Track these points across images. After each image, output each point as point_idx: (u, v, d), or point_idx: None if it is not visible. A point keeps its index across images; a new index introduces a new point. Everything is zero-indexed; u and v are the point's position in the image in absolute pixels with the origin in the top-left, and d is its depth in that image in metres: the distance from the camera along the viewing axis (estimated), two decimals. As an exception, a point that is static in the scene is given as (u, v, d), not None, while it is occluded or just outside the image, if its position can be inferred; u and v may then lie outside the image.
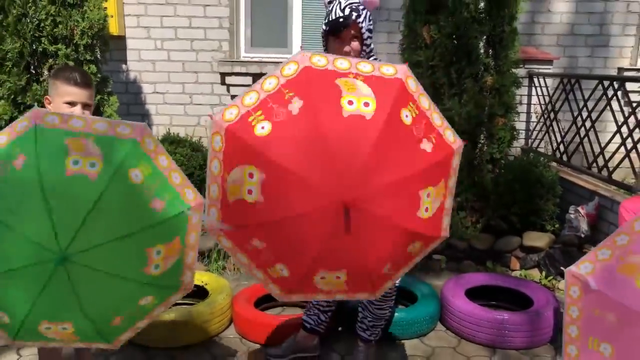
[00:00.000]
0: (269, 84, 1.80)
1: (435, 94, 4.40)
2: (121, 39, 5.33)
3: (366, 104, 1.73)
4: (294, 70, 1.80)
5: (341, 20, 2.33)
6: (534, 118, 5.23)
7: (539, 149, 5.07)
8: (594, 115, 4.15)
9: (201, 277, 3.35)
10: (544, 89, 4.97)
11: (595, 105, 4.11)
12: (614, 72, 5.53)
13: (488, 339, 2.97)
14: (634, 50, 5.59)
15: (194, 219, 1.86)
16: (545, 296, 3.16)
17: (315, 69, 1.79)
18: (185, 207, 1.83)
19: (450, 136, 1.90)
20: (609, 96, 3.90)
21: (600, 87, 4.06)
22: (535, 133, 5.16)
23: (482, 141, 4.43)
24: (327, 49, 2.37)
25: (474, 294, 3.32)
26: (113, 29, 5.10)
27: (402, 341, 3.01)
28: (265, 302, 3.23)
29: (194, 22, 5.39)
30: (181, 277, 1.89)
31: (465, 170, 4.42)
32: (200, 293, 3.25)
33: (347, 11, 2.34)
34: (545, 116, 4.91)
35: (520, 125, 5.29)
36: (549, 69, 5.18)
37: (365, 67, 1.84)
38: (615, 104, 3.93)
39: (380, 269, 1.88)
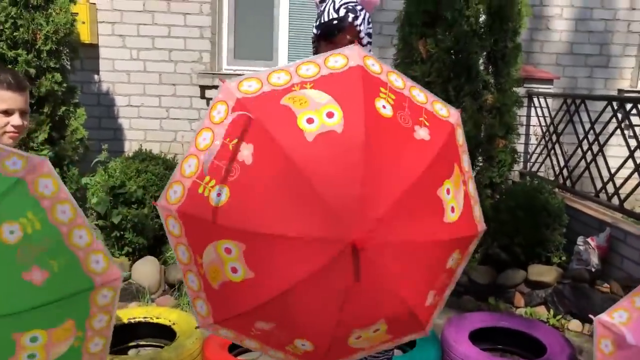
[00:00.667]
0: (204, 139, 1.43)
1: (432, 112, 4.08)
2: (94, 47, 4.95)
3: (330, 115, 1.37)
4: (224, 111, 1.42)
5: (335, 22, 1.97)
6: (533, 140, 4.93)
7: (538, 174, 4.77)
8: (601, 139, 3.86)
9: (169, 315, 2.95)
10: (545, 110, 4.69)
11: (604, 127, 3.82)
12: (614, 94, 5.29)
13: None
14: (634, 72, 5.37)
15: (102, 298, 1.42)
16: (559, 341, 2.81)
17: (250, 98, 1.41)
18: (85, 282, 1.39)
19: (442, 110, 1.55)
20: (620, 118, 3.60)
21: (607, 108, 3.77)
22: (535, 156, 4.86)
23: (481, 164, 4.12)
24: (313, 50, 2.02)
25: (477, 336, 2.96)
26: (85, 36, 4.72)
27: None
28: (239, 346, 2.82)
29: (173, 31, 5.04)
30: None
31: (463, 195, 4.09)
32: (167, 334, 2.85)
33: (342, 12, 1.99)
34: (547, 138, 4.62)
35: (519, 147, 4.99)
36: (550, 88, 4.91)
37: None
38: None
39: (422, 302, 1.51)
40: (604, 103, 3.91)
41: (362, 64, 1.48)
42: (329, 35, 1.95)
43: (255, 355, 2.93)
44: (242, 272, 1.37)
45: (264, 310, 1.41)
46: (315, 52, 2.04)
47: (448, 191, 1.49)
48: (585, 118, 4.14)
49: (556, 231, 3.73)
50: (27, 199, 1.34)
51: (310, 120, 1.38)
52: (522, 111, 4.94)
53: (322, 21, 1.98)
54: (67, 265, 1.37)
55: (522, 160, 5.01)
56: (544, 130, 4.68)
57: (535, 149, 4.87)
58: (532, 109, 4.92)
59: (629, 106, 3.57)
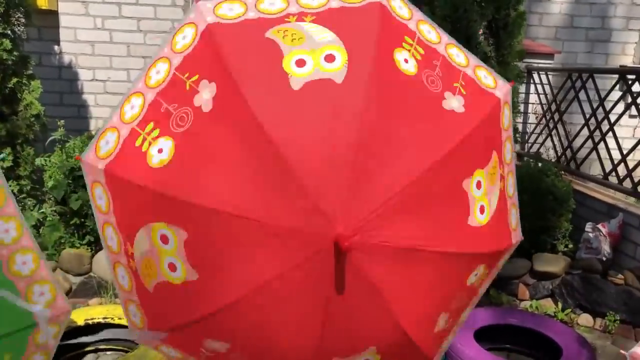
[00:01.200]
0: (157, 72, 1.11)
1: (427, 87, 3.73)
2: (53, 14, 4.47)
3: (329, 58, 1.03)
4: (191, 37, 1.09)
5: None
6: (532, 119, 4.61)
7: (537, 154, 4.46)
8: (611, 118, 3.54)
9: (133, 316, 2.57)
10: (547, 87, 4.36)
11: (615, 104, 3.50)
12: (615, 71, 4.99)
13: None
14: (637, 47, 5.06)
15: (42, 337, 1.20)
16: (574, 340, 2.51)
17: (225, 24, 1.06)
18: (25, 320, 1.17)
19: (487, 78, 1.21)
20: (634, 94, 3.29)
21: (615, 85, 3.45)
22: (534, 136, 4.54)
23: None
24: None
25: (482, 334, 2.65)
26: (42, 1, 4.23)
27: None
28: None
29: (142, -2, 4.57)
30: None
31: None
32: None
33: None
34: (548, 117, 4.30)
35: (517, 126, 4.69)
36: (550, 63, 4.58)
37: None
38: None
39: (428, 328, 1.16)
40: (611, 80, 3.59)
41: (385, 2, 1.13)
42: None
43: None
44: (182, 271, 1.00)
45: (213, 324, 1.04)
46: None
47: (479, 185, 1.14)
48: (590, 95, 3.82)
49: (563, 217, 3.42)
50: None
51: (301, 62, 1.03)
52: (521, 88, 4.62)
53: None
54: (3, 301, 1.14)
55: (520, 140, 4.71)
56: (545, 109, 4.36)
57: (535, 128, 4.55)
58: (532, 86, 4.59)
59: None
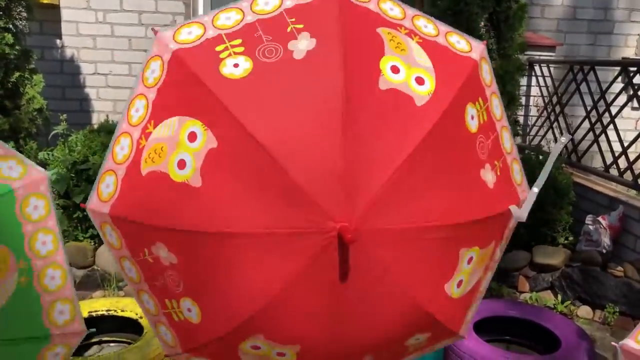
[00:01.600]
0: (136, 110, 1.12)
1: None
2: (54, 8, 4.48)
3: (419, 81, 1.07)
4: (159, 69, 1.11)
5: None
6: (534, 111, 4.61)
7: (538, 147, 4.46)
8: (612, 110, 3.55)
9: (136, 308, 2.60)
10: (547, 79, 4.36)
11: (617, 97, 3.50)
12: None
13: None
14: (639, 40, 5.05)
15: (52, 357, 1.26)
16: (573, 332, 2.53)
17: (188, 49, 1.08)
18: (41, 333, 1.22)
19: (461, 43, 1.21)
20: (636, 87, 3.29)
21: (617, 77, 3.45)
22: (535, 129, 4.55)
23: (480, 137, 3.79)
24: None
25: (481, 326, 2.67)
26: (43, -5, 4.24)
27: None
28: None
29: (143, -9, 4.58)
30: None
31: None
32: (134, 328, 2.51)
33: None
34: (549, 110, 4.30)
35: (519, 119, 4.69)
36: (552, 56, 4.58)
37: (425, 26, 1.18)
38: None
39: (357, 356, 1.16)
40: (612, 72, 3.59)
41: (478, 61, 1.17)
42: None
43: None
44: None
45: (235, 339, 1.08)
46: None
47: (470, 260, 1.14)
48: (591, 88, 3.82)
49: (563, 210, 3.43)
50: (10, 218, 1.19)
51: (395, 69, 1.07)
52: (522, 80, 4.62)
53: None
54: (27, 309, 1.20)
55: (522, 133, 4.71)
56: (546, 101, 4.36)
57: (536, 120, 4.55)
58: (533, 78, 4.59)
59: (644, 73, 3.25)
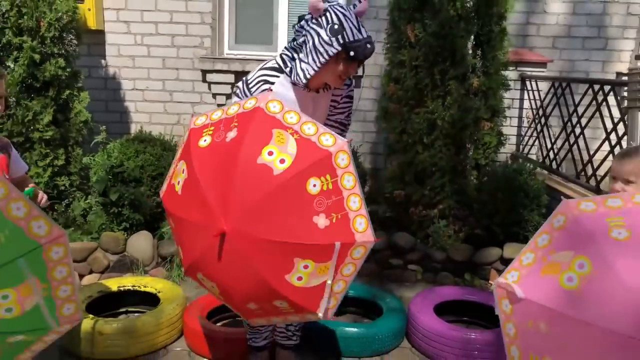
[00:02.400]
0: (232, 109, 1.99)
1: (419, 95, 4.19)
2: (100, 33, 5.16)
3: (282, 161, 1.81)
4: (251, 105, 1.93)
5: (369, 46, 2.01)
6: (526, 123, 4.99)
7: (529, 156, 4.84)
8: (583, 121, 3.92)
9: (155, 285, 3.18)
10: (536, 93, 4.74)
11: (585, 110, 3.88)
12: (612, 77, 5.28)
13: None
14: (632, 55, 5.34)
15: (54, 254, 1.69)
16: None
17: (265, 113, 1.89)
18: (32, 245, 1.65)
19: (361, 226, 1.87)
20: (599, 101, 3.66)
21: (591, 91, 3.83)
22: (526, 139, 4.93)
23: (468, 146, 4.22)
24: (319, 65, 2.03)
25: (445, 309, 3.11)
26: (91, 22, 4.94)
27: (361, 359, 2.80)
28: (219, 313, 3.04)
29: (175, 17, 5.21)
30: (56, 313, 1.74)
31: (448, 176, 4.21)
32: (153, 301, 3.08)
33: (365, 32, 2.02)
34: (537, 121, 4.68)
35: (512, 130, 5.08)
36: (543, 71, 4.95)
37: (309, 129, 1.88)
38: (605, 110, 3.69)
39: (243, 302, 1.99)
40: (587, 86, 3.95)
41: (334, 152, 1.86)
42: (357, 57, 2.02)
43: (234, 323, 3.14)
44: (179, 187, 2.02)
45: (198, 268, 2.01)
46: (323, 61, 2.03)
47: (306, 267, 1.88)
48: (573, 101, 4.19)
49: (534, 211, 3.82)
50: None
51: (270, 153, 1.87)
52: (515, 94, 5.02)
53: (350, 39, 1.97)
54: (11, 235, 1.63)
55: (514, 143, 5.09)
56: (535, 114, 4.74)
57: (527, 131, 4.93)
58: (525, 93, 4.97)
59: (609, 90, 3.62)
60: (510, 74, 4.86)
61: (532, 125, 4.83)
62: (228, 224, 1.80)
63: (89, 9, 4.89)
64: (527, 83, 4.90)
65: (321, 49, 1.98)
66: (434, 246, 4.03)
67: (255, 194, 1.80)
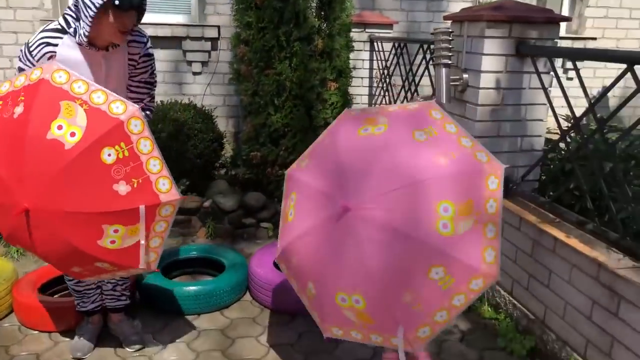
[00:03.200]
0: (19, 81, 1.95)
1: (267, 57, 4.26)
2: None
3: (72, 134, 1.82)
4: (36, 77, 1.91)
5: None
6: (375, 83, 5.25)
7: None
8: (417, 80, 4.21)
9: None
10: (382, 54, 4.99)
11: (417, 69, 4.17)
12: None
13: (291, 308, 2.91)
14: (472, 16, 5.76)
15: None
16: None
17: (51, 84, 1.88)
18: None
19: (164, 186, 1.98)
20: (427, 60, 3.95)
21: (421, 51, 4.11)
22: (375, 97, 5.20)
23: (318, 106, 4.37)
24: (91, 20, 1.99)
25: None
26: None
27: (200, 315, 2.90)
28: (55, 286, 2.97)
29: (8, -25, 4.81)
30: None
31: (299, 136, 4.36)
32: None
33: None
34: (383, 80, 4.95)
35: (363, 90, 5.32)
36: (389, 33, 5.20)
37: (98, 98, 1.91)
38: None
39: (67, 267, 2.06)
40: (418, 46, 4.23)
41: (126, 120, 1.93)
42: (130, 7, 2.01)
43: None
44: None
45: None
46: (93, 16, 1.99)
47: (116, 231, 1.97)
48: (409, 60, 4.47)
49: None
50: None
51: (60, 127, 1.87)
52: (366, 55, 5.25)
53: None
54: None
55: (367, 102, 5.35)
56: (381, 73, 5.00)
57: (375, 90, 5.20)
58: (374, 53, 5.21)
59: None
60: (359, 35, 5.06)
61: (379, 85, 5.10)
62: (28, 201, 1.83)
63: None
64: (375, 44, 5.14)
65: (88, 2, 1.97)
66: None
67: (50, 170, 1.82)
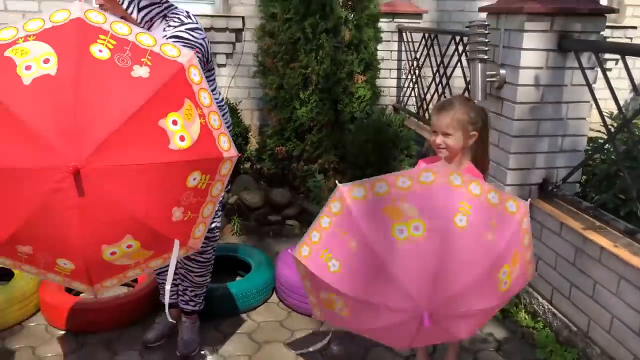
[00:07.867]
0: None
1: (292, 49, 4.15)
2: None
3: (46, 61, 1.55)
4: (63, 18, 1.63)
5: None
6: (404, 75, 5.11)
7: (408, 106, 4.98)
8: (449, 72, 4.06)
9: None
10: (411, 45, 4.83)
11: (450, 60, 4.02)
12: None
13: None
14: (504, 5, 5.55)
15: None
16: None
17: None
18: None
19: (172, 51, 1.73)
20: (460, 52, 3.80)
21: (453, 42, 3.95)
22: (404, 90, 5.05)
23: (345, 100, 4.26)
24: None
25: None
26: None
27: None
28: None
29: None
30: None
31: (325, 131, 4.26)
32: (7, 276, 2.92)
33: None
34: (412, 72, 4.80)
35: (392, 82, 5.18)
36: (419, 22, 5.04)
37: (33, 24, 1.64)
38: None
39: (164, 218, 1.69)
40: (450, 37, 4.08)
41: (82, 16, 1.63)
42: None
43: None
44: None
45: (17, 236, 1.59)
46: None
47: (175, 122, 1.64)
48: (440, 52, 4.31)
49: (404, 162, 3.97)
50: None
51: (28, 67, 1.55)
52: (394, 46, 5.10)
53: None
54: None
55: (396, 95, 5.21)
56: (410, 65, 4.85)
57: (404, 83, 5.06)
58: (403, 44, 5.05)
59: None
60: (387, 25, 4.91)
61: (408, 77, 4.95)
62: (81, 159, 1.49)
63: None
64: (404, 35, 4.98)
65: None
66: (314, 200, 4.11)
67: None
